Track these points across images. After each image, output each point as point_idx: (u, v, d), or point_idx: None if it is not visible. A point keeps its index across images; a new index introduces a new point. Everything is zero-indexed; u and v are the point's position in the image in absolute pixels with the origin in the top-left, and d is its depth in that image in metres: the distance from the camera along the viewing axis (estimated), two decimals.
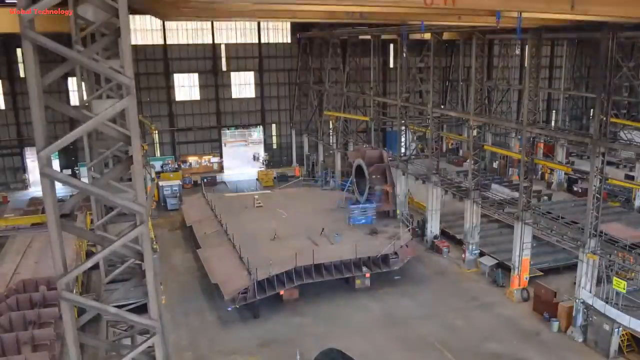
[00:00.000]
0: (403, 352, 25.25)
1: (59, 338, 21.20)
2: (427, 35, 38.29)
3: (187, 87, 56.06)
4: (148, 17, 50.14)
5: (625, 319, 23.88)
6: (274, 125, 60.20)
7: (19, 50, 47.50)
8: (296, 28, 57.03)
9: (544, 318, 27.84)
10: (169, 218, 44.46)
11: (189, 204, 44.14)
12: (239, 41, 56.62)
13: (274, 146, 60.88)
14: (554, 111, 66.37)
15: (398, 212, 38.05)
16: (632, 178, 45.43)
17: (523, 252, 29.84)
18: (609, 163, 42.10)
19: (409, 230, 35.09)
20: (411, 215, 39.15)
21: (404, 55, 40.30)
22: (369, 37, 46.54)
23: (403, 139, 43.21)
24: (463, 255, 34.70)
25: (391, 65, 60.55)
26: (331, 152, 52.51)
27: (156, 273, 7.27)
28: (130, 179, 13.31)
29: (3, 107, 50.51)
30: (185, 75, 55.71)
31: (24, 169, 52.13)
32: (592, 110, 54.90)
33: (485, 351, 25.37)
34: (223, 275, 29.89)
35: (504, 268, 32.34)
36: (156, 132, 53.34)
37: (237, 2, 20.17)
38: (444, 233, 38.61)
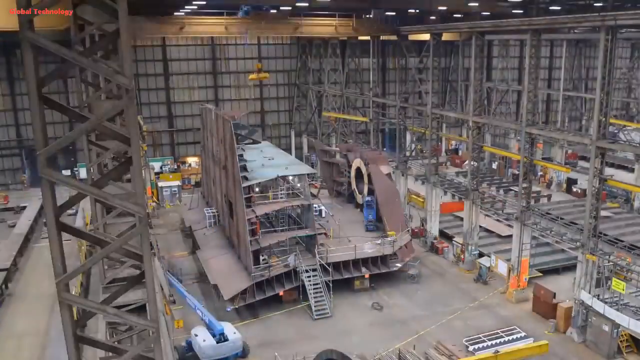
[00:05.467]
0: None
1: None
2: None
3: (186, 88, 56.05)
4: None
5: (624, 320, 23.87)
6: (273, 126, 60.17)
7: (18, 51, 47.45)
8: None
9: (543, 319, 27.84)
10: (168, 219, 44.44)
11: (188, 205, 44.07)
12: (238, 42, 56.57)
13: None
14: (553, 112, 66.43)
15: None
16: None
17: (522, 252, 29.85)
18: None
19: (408, 231, 35.06)
20: (411, 216, 39.10)
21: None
22: (367, 37, 46.55)
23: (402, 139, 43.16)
24: (462, 256, 34.69)
25: (390, 66, 60.54)
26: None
27: (155, 274, 7.28)
28: (129, 180, 13.33)
29: (2, 108, 50.49)
30: (185, 76, 55.72)
31: (23, 169, 52.11)
32: (591, 111, 54.88)
33: None
34: (222, 276, 29.87)
35: None
36: (149, 132, 53.12)
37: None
38: (443, 234, 38.59)
